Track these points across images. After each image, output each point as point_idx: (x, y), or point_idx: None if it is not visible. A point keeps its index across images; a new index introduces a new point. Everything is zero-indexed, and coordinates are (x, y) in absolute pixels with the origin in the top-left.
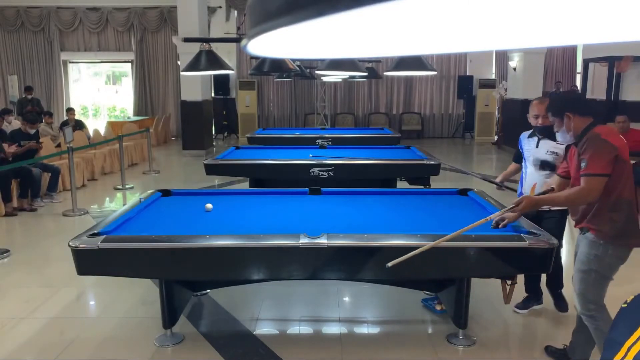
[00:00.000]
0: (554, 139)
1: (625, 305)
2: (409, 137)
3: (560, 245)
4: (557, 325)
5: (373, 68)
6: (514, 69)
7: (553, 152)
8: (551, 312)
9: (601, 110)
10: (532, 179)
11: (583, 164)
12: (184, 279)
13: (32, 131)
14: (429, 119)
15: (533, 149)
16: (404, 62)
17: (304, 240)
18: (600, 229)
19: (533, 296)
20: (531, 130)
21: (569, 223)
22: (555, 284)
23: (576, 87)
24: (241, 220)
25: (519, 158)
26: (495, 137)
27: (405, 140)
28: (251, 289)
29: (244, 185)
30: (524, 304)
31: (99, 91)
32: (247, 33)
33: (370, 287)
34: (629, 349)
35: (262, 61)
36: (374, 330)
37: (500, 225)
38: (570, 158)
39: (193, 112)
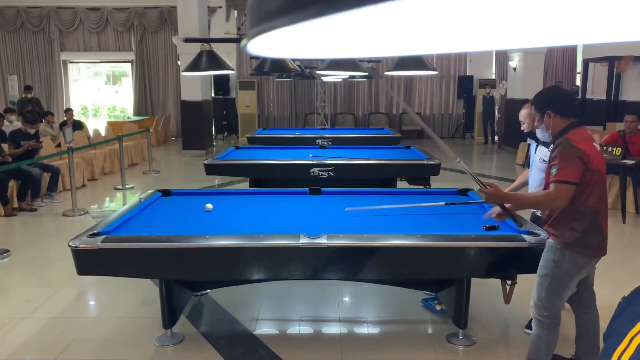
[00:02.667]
0: (546, 145)
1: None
2: (409, 137)
3: None
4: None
5: (373, 68)
6: (514, 69)
7: (544, 161)
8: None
9: (581, 111)
10: (534, 183)
11: (553, 170)
12: (184, 279)
13: (32, 131)
14: (429, 119)
15: (532, 153)
16: (404, 62)
17: (304, 240)
18: (559, 234)
19: None
20: None
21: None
22: None
23: (577, 86)
24: (241, 220)
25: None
26: (496, 137)
27: (405, 140)
28: (251, 289)
29: (244, 185)
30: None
31: (99, 91)
32: (247, 33)
33: (370, 287)
34: (631, 340)
35: (262, 61)
36: (374, 330)
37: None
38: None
39: (193, 112)
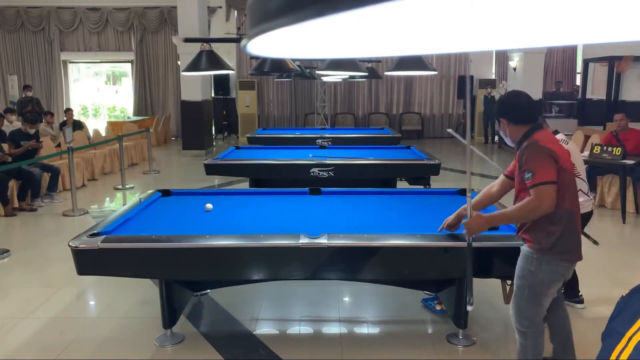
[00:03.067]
0: None
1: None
2: (409, 137)
3: None
4: None
5: (373, 68)
6: (514, 69)
7: None
8: None
9: (538, 114)
10: None
11: (528, 175)
12: (184, 279)
13: (32, 131)
14: (429, 119)
15: None
16: (404, 62)
17: (304, 240)
18: (534, 241)
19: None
20: None
21: None
22: (572, 294)
23: (577, 86)
24: (241, 220)
25: None
26: (496, 137)
27: (405, 140)
28: (251, 289)
29: (244, 185)
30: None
31: (99, 91)
32: (247, 33)
33: (370, 287)
34: (629, 339)
35: (262, 61)
36: (374, 330)
37: (452, 230)
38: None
39: (193, 112)
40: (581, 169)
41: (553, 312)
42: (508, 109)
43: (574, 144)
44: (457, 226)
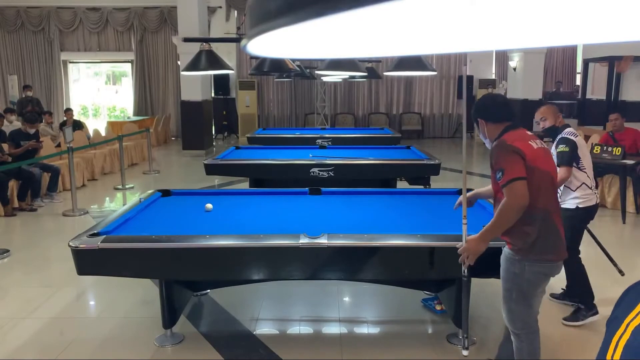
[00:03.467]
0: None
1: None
2: (409, 137)
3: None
4: (557, 325)
5: (373, 68)
6: (514, 69)
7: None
8: (552, 313)
9: (512, 114)
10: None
11: (499, 174)
12: (184, 279)
13: (32, 131)
14: (429, 119)
15: (553, 150)
16: (404, 62)
17: (304, 240)
18: (514, 242)
19: (584, 305)
20: None
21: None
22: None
23: (577, 86)
24: (241, 220)
25: None
26: None
27: (405, 140)
28: (251, 289)
29: (244, 185)
30: (574, 316)
31: (98, 91)
32: (247, 33)
33: (370, 287)
34: (627, 325)
35: (262, 61)
36: (374, 330)
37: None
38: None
39: (193, 112)
40: (587, 163)
41: None
42: (483, 108)
43: (582, 139)
44: (473, 202)
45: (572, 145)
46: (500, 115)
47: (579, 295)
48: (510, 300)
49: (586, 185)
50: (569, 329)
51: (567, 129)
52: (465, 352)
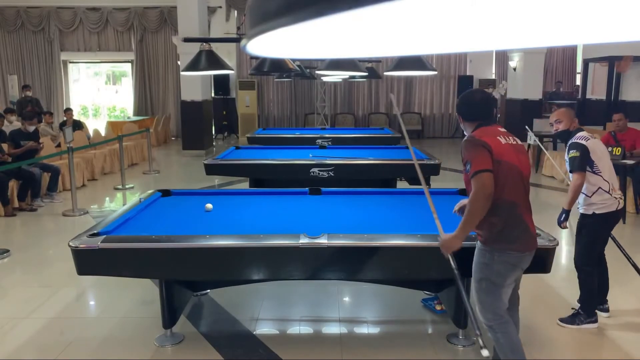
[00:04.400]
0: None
1: None
2: (409, 137)
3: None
4: (556, 324)
5: (373, 68)
6: (514, 69)
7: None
8: (551, 313)
9: (489, 112)
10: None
11: (468, 167)
12: (184, 279)
13: (31, 128)
14: (429, 119)
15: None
16: (404, 62)
17: (304, 240)
18: (482, 233)
19: (584, 312)
20: None
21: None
22: (598, 301)
23: (577, 86)
24: (241, 220)
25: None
26: None
27: None
28: (251, 289)
29: (244, 185)
30: (571, 319)
31: (98, 91)
32: (246, 33)
33: (370, 287)
34: None
35: (262, 61)
36: (374, 330)
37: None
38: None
39: (193, 112)
40: (602, 165)
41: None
42: (461, 106)
43: (598, 141)
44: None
45: (583, 150)
46: (476, 114)
47: (583, 301)
48: (480, 291)
49: (603, 189)
50: (561, 328)
51: (579, 133)
52: (485, 353)
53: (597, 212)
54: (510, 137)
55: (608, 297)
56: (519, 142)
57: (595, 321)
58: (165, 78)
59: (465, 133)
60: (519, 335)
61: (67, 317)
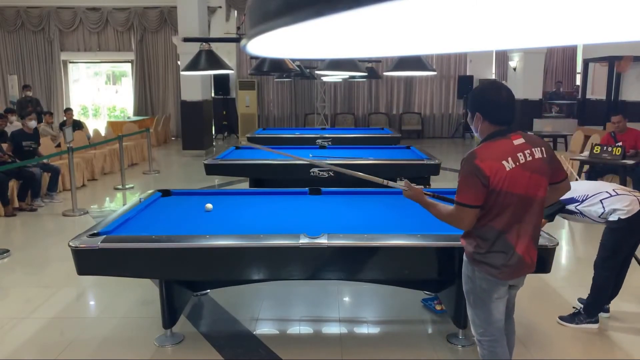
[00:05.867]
0: None
1: None
2: (409, 137)
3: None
4: (556, 324)
5: (373, 68)
6: (514, 69)
7: None
8: (551, 313)
9: (511, 119)
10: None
11: (456, 189)
12: (184, 279)
13: (32, 124)
14: (429, 119)
15: None
16: (404, 62)
17: (304, 240)
18: (466, 248)
19: (585, 312)
20: None
21: (570, 225)
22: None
23: (577, 86)
24: (241, 220)
25: None
26: None
27: (405, 140)
28: (251, 289)
29: (244, 185)
30: (571, 318)
31: (99, 91)
32: (246, 33)
33: (370, 287)
34: None
35: (262, 61)
36: (374, 330)
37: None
38: None
39: (193, 112)
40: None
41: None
42: (486, 104)
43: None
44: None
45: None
46: (499, 117)
47: (587, 303)
48: (469, 304)
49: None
50: (561, 328)
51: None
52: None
53: (622, 217)
54: (526, 152)
55: None
56: (540, 151)
57: (596, 322)
58: (165, 78)
59: (472, 130)
60: (511, 356)
61: (67, 317)
